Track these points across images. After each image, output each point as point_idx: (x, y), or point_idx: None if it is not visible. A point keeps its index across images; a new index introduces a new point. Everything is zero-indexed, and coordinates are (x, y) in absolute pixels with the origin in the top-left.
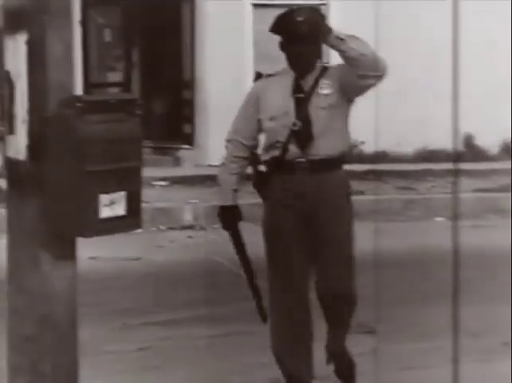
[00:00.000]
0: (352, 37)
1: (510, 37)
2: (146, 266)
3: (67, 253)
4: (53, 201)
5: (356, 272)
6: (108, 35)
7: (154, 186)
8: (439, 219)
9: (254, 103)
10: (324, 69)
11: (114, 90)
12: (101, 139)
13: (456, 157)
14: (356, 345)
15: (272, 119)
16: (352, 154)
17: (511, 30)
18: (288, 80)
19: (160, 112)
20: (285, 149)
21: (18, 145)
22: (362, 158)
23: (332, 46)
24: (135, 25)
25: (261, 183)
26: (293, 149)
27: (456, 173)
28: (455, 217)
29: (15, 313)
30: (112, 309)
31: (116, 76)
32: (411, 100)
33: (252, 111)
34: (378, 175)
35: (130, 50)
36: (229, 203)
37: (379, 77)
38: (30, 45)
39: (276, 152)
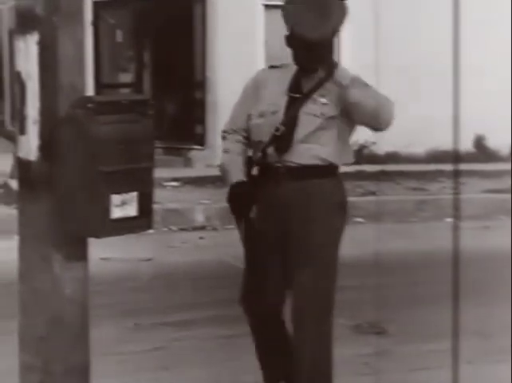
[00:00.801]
0: (360, 82)
1: None
2: (157, 266)
3: (78, 253)
4: (65, 202)
5: (367, 273)
6: (119, 36)
7: (165, 186)
8: (450, 219)
9: (253, 94)
10: (332, 73)
11: (125, 91)
12: (113, 139)
13: (456, 158)
14: (367, 346)
15: (261, 115)
16: (363, 155)
17: None
18: (289, 76)
19: (172, 113)
20: (264, 152)
21: (30, 146)
22: (373, 159)
23: (337, 80)
24: (146, 26)
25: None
26: (272, 153)
27: (456, 174)
28: (456, 217)
29: (26, 313)
30: (123, 310)
31: (127, 77)
32: (423, 101)
33: (250, 102)
34: (389, 176)
35: (141, 51)
36: (240, 178)
37: (378, 130)
38: (42, 45)
39: (259, 154)
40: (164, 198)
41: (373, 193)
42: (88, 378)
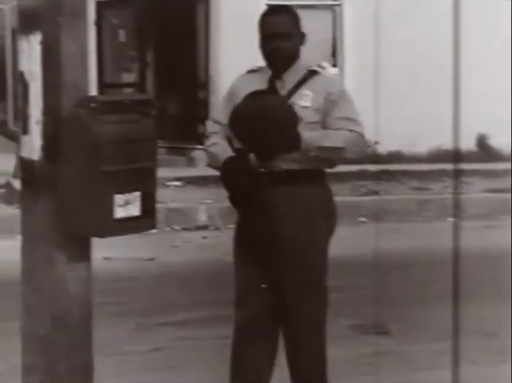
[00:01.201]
0: (324, 134)
1: None
2: (160, 266)
3: (81, 253)
4: (68, 201)
5: (370, 273)
6: (122, 36)
7: (168, 186)
8: (453, 219)
9: (229, 101)
10: (311, 76)
11: (128, 90)
12: (116, 139)
13: (456, 158)
14: (369, 346)
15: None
16: (366, 154)
17: None
18: (265, 79)
19: (175, 113)
20: (245, 157)
21: (33, 145)
22: (376, 158)
23: (307, 143)
24: (149, 26)
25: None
26: (253, 159)
27: (456, 174)
28: (456, 218)
29: (29, 313)
30: (126, 310)
31: (130, 77)
32: (425, 100)
33: (228, 110)
34: (392, 176)
35: (144, 51)
36: (230, 154)
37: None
38: (45, 45)
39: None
40: (167, 197)
41: (376, 193)
42: (91, 378)
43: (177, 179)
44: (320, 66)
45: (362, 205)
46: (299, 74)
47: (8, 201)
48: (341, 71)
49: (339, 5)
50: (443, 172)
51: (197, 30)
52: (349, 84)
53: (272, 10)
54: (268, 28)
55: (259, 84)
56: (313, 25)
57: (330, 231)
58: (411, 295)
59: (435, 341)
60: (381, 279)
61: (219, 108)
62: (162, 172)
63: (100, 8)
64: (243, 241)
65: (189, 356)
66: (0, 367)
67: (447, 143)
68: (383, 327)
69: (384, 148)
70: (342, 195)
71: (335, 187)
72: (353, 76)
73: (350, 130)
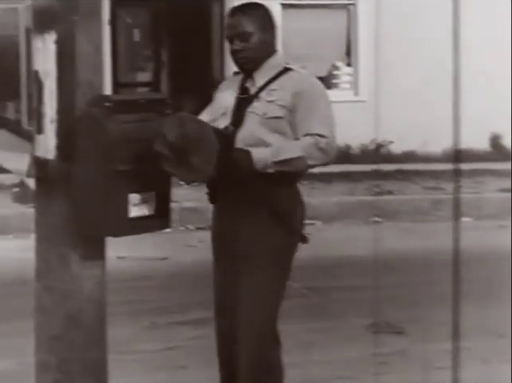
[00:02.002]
0: (278, 148)
1: None
2: (174, 265)
3: (96, 252)
4: (82, 201)
5: (384, 272)
6: (136, 35)
7: (182, 185)
8: (466, 219)
9: (212, 103)
10: (284, 73)
11: (143, 90)
12: (130, 138)
13: (456, 158)
14: (384, 346)
15: (214, 120)
16: (380, 154)
17: None
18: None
19: (189, 112)
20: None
21: (47, 145)
22: (390, 158)
23: (258, 164)
24: (164, 25)
25: (212, 192)
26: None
27: (456, 174)
28: (457, 218)
29: (43, 311)
30: (140, 309)
31: (144, 76)
32: (440, 99)
33: (210, 111)
34: (406, 175)
35: (159, 50)
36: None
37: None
38: (59, 44)
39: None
40: (181, 197)
41: (390, 192)
42: (105, 377)
43: None
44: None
45: (376, 205)
46: (272, 71)
47: (22, 200)
48: (356, 70)
49: (353, 4)
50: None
51: (211, 30)
52: (363, 84)
53: (232, 11)
54: (228, 29)
55: (235, 85)
56: (327, 25)
57: (287, 234)
58: (424, 295)
59: (449, 341)
60: (395, 279)
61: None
62: None
63: (115, 7)
64: (213, 237)
65: (203, 355)
66: (13, 365)
67: (461, 143)
68: (396, 327)
69: (398, 148)
70: (356, 195)
71: (349, 187)
72: (367, 76)
73: (312, 135)
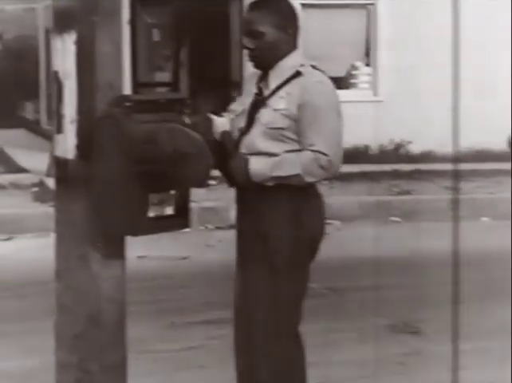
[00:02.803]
0: (277, 163)
1: None
2: (194, 265)
3: (116, 252)
4: (102, 200)
5: (402, 272)
6: (156, 35)
7: None
8: (484, 219)
9: (241, 96)
10: (295, 77)
11: (162, 90)
12: (151, 138)
13: (456, 158)
14: (402, 346)
15: (235, 116)
16: (398, 154)
17: None
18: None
19: (207, 112)
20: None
21: (67, 144)
22: (409, 158)
23: (259, 175)
24: (183, 25)
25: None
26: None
27: (456, 174)
28: (456, 218)
29: (63, 311)
30: (160, 308)
31: (164, 76)
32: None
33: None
34: (425, 175)
35: (178, 50)
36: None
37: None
38: (79, 44)
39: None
40: (201, 196)
41: (408, 192)
42: (125, 376)
43: (211, 178)
44: (313, 66)
45: (394, 205)
46: (285, 73)
47: (41, 199)
48: (374, 70)
49: (373, 4)
50: (475, 172)
51: (230, 29)
52: (382, 84)
53: (249, 6)
54: (243, 26)
55: (254, 83)
56: (346, 25)
57: (312, 243)
58: (442, 295)
59: (466, 342)
60: (413, 279)
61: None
62: None
63: (135, 7)
64: (237, 237)
65: (223, 355)
66: (33, 364)
67: (477, 143)
68: (415, 327)
69: (416, 148)
70: (375, 195)
71: (368, 187)
72: (386, 76)
73: (314, 151)
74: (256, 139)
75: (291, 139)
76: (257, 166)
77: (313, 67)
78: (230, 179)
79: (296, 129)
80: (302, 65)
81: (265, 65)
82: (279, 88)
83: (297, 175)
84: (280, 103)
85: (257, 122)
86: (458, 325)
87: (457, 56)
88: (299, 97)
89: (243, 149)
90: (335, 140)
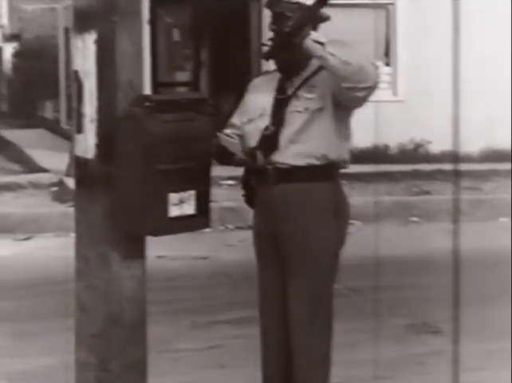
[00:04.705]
0: (337, 42)
1: None
2: (214, 265)
3: (136, 252)
4: (122, 200)
5: (422, 272)
6: (176, 34)
7: (222, 185)
8: (504, 219)
9: (243, 102)
10: (320, 69)
11: (182, 89)
12: (171, 138)
13: (456, 158)
14: (422, 345)
15: (249, 121)
16: (418, 153)
17: None
18: (276, 79)
19: (228, 112)
20: (253, 156)
21: (87, 144)
22: (429, 158)
23: (309, 51)
24: (203, 25)
25: (248, 193)
26: (260, 156)
27: (457, 174)
28: (456, 219)
29: (83, 310)
30: (180, 308)
31: (184, 76)
32: (477, 100)
33: (241, 111)
34: (444, 175)
35: (198, 49)
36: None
37: (368, 89)
38: (99, 44)
39: (249, 160)
40: (221, 196)
41: (428, 192)
42: (145, 375)
43: (230, 178)
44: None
45: (414, 205)
46: (310, 68)
47: (61, 199)
48: (394, 70)
49: (392, 3)
50: (495, 172)
51: (250, 28)
52: (402, 83)
53: (273, 18)
54: (268, 27)
55: (271, 85)
56: (366, 24)
57: (341, 228)
58: (463, 295)
59: (488, 341)
60: (433, 279)
61: (232, 117)
62: (215, 171)
63: (155, 7)
64: (256, 239)
65: (243, 354)
66: (53, 363)
67: (497, 143)
68: (435, 327)
69: (436, 148)
70: (395, 195)
71: (388, 187)
72: (406, 75)
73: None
74: (299, 127)
75: (329, 126)
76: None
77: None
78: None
79: (332, 113)
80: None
81: (295, 70)
82: (306, 80)
83: (349, 64)
84: (313, 91)
85: (292, 114)
86: (459, 326)
87: (457, 56)
88: (331, 83)
89: (283, 143)
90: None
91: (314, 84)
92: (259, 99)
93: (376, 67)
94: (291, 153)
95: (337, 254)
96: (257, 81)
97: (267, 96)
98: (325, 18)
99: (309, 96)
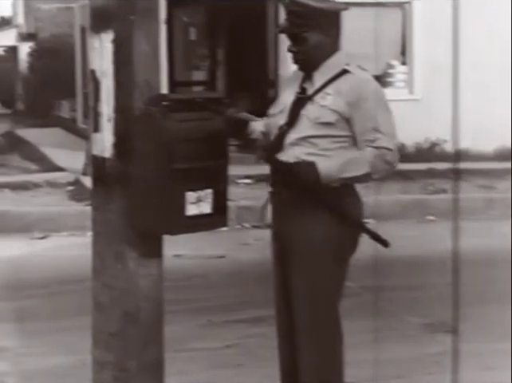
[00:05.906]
0: (344, 164)
1: None
2: (231, 263)
3: (153, 250)
4: (139, 199)
5: (439, 271)
6: (193, 34)
7: (238, 184)
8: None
9: (277, 99)
10: (341, 75)
11: (198, 88)
12: (187, 137)
13: (457, 157)
14: (438, 345)
15: (273, 115)
16: (434, 152)
17: None
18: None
19: (244, 111)
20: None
21: (104, 143)
22: (444, 156)
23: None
24: (219, 24)
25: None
26: (260, 152)
27: (457, 173)
28: (456, 218)
29: (100, 309)
30: (196, 307)
31: (200, 75)
32: (492, 99)
33: (274, 104)
34: (460, 174)
35: (215, 49)
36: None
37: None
38: (116, 44)
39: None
40: (237, 195)
41: (444, 191)
42: (162, 375)
43: (247, 176)
44: (359, 67)
45: (430, 203)
46: (331, 72)
47: (77, 198)
48: (410, 69)
49: (409, 2)
50: (509, 171)
51: (267, 28)
52: (418, 82)
53: (287, 9)
54: (283, 28)
55: (297, 83)
56: (382, 23)
57: (349, 236)
58: (478, 294)
59: (503, 341)
60: (448, 278)
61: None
62: (232, 170)
63: (171, 6)
64: (271, 238)
65: (259, 353)
66: (70, 362)
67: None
68: (449, 326)
69: (452, 147)
70: (411, 194)
71: (404, 186)
72: (422, 74)
73: (378, 148)
74: (304, 133)
75: (338, 135)
76: (327, 169)
77: (359, 67)
78: (290, 180)
79: (343, 126)
80: (348, 64)
81: (309, 66)
82: (326, 85)
83: (367, 174)
84: (327, 99)
85: (303, 118)
86: (458, 326)
87: (456, 56)
88: (349, 94)
89: (288, 143)
90: (394, 134)
91: (329, 91)
92: (285, 94)
93: (393, 160)
94: (289, 157)
95: (344, 259)
96: (292, 76)
97: (290, 93)
98: (343, 9)
99: (323, 103)
